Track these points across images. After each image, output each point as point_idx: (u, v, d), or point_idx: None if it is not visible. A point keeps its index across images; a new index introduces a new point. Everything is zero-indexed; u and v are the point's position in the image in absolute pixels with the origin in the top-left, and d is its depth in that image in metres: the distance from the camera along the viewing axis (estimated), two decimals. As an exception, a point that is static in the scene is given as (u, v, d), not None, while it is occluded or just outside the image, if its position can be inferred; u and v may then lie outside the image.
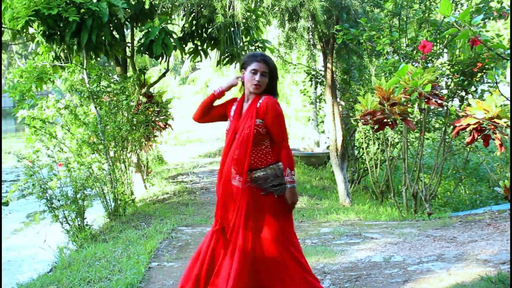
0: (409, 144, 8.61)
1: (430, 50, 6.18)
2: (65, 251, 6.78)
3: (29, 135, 7.94)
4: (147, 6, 8.20)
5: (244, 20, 8.64)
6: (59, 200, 7.36)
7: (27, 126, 7.97)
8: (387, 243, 5.70)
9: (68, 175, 7.42)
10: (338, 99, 9.86)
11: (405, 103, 5.98)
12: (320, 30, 8.80)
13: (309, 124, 16.39)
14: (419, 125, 7.84)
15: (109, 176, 7.92)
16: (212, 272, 3.76)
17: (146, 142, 9.95)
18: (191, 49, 9.57)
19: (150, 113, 9.45)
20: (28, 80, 8.47)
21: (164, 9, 8.73)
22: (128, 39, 9.53)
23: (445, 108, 7.46)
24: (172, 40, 8.34)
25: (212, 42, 9.26)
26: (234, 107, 3.91)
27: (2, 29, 8.16)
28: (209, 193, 9.86)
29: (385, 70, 7.31)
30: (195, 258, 3.89)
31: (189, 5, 8.65)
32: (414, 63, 7.23)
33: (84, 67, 8.10)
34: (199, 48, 9.49)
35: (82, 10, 7.37)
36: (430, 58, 7.26)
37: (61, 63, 8.69)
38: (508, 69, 5.02)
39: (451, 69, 7.26)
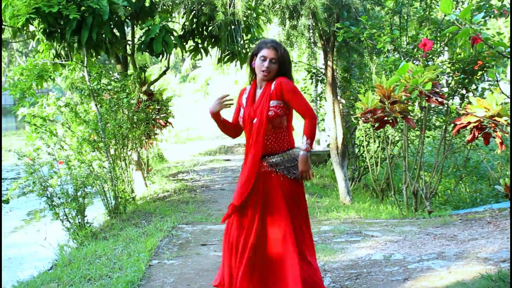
0: (409, 142, 8.61)
1: (430, 48, 6.19)
2: (66, 249, 6.78)
3: (29, 133, 7.95)
4: (147, 4, 8.20)
5: (244, 18, 8.63)
6: (59, 198, 7.36)
7: (27, 124, 7.98)
8: (388, 241, 5.70)
9: (69, 173, 7.42)
10: (338, 97, 9.85)
11: (405, 101, 5.98)
12: (320, 28, 8.79)
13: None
14: (419, 123, 7.84)
15: (109, 174, 7.92)
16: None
17: (146, 140, 9.96)
18: (192, 47, 9.56)
19: (150, 111, 9.45)
20: (29, 78, 8.48)
21: (164, 7, 8.73)
22: (129, 37, 9.53)
23: (446, 106, 7.46)
24: (172, 38, 8.33)
25: (213, 40, 9.26)
26: (245, 95, 3.94)
27: (3, 26, 8.15)
28: (209, 191, 9.87)
29: (386, 68, 7.30)
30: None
31: (189, 3, 8.65)
32: (414, 61, 7.22)
33: (85, 65, 8.10)
34: (200, 46, 9.49)
35: (83, 8, 7.37)
36: (430, 56, 7.26)
37: (62, 61, 8.69)
38: (509, 67, 5.01)
39: (452, 67, 7.25)
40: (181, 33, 9.27)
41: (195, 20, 8.99)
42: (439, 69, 6.73)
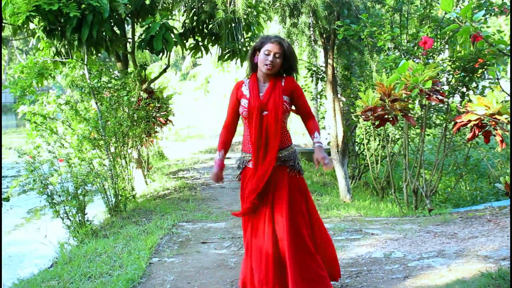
0: (410, 140, 8.61)
1: (431, 46, 6.19)
2: (66, 247, 6.78)
3: (29, 130, 7.95)
4: (147, 2, 8.19)
5: (245, 16, 8.63)
6: (60, 196, 7.36)
7: (28, 122, 7.98)
8: (388, 239, 5.70)
9: (69, 170, 7.42)
10: (339, 95, 9.85)
11: (406, 99, 5.98)
12: (321, 26, 8.79)
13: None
14: (420, 121, 7.84)
15: (109, 172, 7.92)
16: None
17: (147, 138, 9.96)
18: (192, 45, 9.56)
19: (151, 108, 9.45)
20: (29, 75, 8.48)
21: (165, 5, 8.72)
22: (129, 35, 9.52)
23: (446, 104, 7.46)
24: (172, 35, 8.32)
25: (213, 37, 9.25)
26: (245, 87, 3.89)
27: (3, 24, 8.15)
28: (209, 189, 9.87)
29: (386, 66, 7.30)
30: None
31: (189, 1, 8.65)
32: (415, 59, 7.22)
33: (85, 63, 8.09)
34: (200, 43, 9.48)
35: (83, 6, 7.36)
36: (431, 54, 7.25)
37: (62, 59, 8.68)
38: (509, 65, 5.01)
39: (452, 65, 7.24)
40: (182, 31, 9.26)
41: (195, 18, 8.98)
42: (440, 67, 6.72)
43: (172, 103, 10.62)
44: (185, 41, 9.31)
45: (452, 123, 6.80)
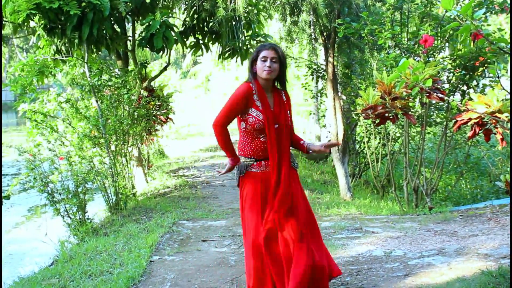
0: (410, 138, 8.61)
1: (431, 44, 6.18)
2: (66, 245, 6.79)
3: (30, 128, 7.95)
4: (148, 0, 8.17)
5: (245, 14, 8.62)
6: (60, 194, 7.36)
7: (28, 120, 7.98)
8: (388, 237, 5.71)
9: (69, 169, 7.42)
10: (339, 93, 9.84)
11: (406, 98, 5.97)
12: (321, 24, 8.78)
13: (311, 118, 16.39)
14: (420, 119, 7.83)
15: (110, 170, 7.92)
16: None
17: (147, 136, 9.96)
18: (192, 43, 9.55)
19: (151, 107, 9.45)
20: (29, 73, 8.47)
21: (165, 3, 8.72)
22: (129, 33, 9.52)
23: (447, 102, 7.45)
24: (173, 33, 8.32)
25: (214, 36, 9.25)
26: (256, 97, 3.90)
27: (3, 22, 8.14)
28: (210, 187, 9.87)
29: (387, 64, 7.29)
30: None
31: (190, -1, 8.65)
32: (415, 58, 7.22)
33: (85, 61, 8.09)
34: (200, 42, 9.48)
35: (83, 4, 7.36)
36: (431, 52, 7.25)
37: (62, 57, 8.68)
38: (509, 64, 5.01)
39: (453, 64, 7.24)
40: (182, 29, 9.26)
41: (195, 16, 8.98)
42: (440, 65, 6.71)
43: (173, 101, 10.61)
44: (185, 39, 9.31)
45: (453, 121, 6.80)
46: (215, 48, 9.70)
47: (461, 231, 5.73)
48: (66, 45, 8.38)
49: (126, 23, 9.35)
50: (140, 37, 8.41)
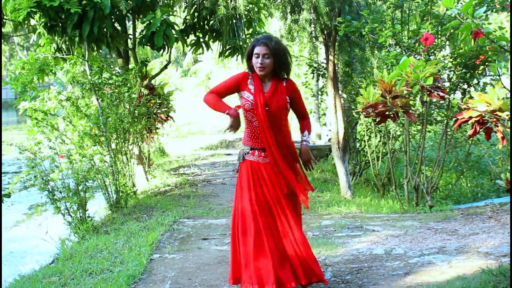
0: (411, 136, 8.60)
1: (432, 42, 6.18)
2: (67, 243, 6.79)
3: (30, 127, 7.95)
4: (148, -2, 8.17)
5: (246, 12, 8.61)
6: (61, 192, 7.37)
7: (28, 118, 7.98)
8: (389, 236, 5.71)
9: (70, 167, 7.42)
10: (340, 92, 9.83)
11: (407, 96, 5.96)
12: (322, 22, 8.77)
13: (311, 116, 16.37)
14: (421, 117, 7.83)
15: (110, 168, 7.92)
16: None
17: (147, 134, 9.95)
18: (193, 41, 9.55)
19: (151, 105, 9.44)
20: (30, 72, 8.48)
21: (165, 1, 8.73)
22: (130, 31, 9.52)
23: (447, 101, 7.45)
24: (173, 32, 8.32)
25: (214, 34, 9.24)
26: (251, 81, 4.06)
27: (4, 20, 8.14)
28: (210, 185, 9.88)
29: (387, 62, 7.29)
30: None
31: (190, -3, 8.64)
32: (416, 56, 7.21)
33: (86, 59, 8.09)
34: (201, 40, 9.47)
35: (84, 2, 7.36)
36: (432, 50, 7.24)
37: (63, 55, 8.68)
38: (510, 62, 5.00)
39: (453, 62, 7.24)
40: (183, 27, 9.25)
41: (196, 14, 8.97)
42: (441, 63, 6.72)
43: (173, 99, 10.61)
44: (186, 38, 9.31)
45: (453, 119, 6.79)
46: (216, 46, 9.70)
47: (461, 229, 5.73)
48: (67, 43, 8.38)
49: (127, 21, 9.35)
50: (141, 35, 8.41)
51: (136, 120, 8.79)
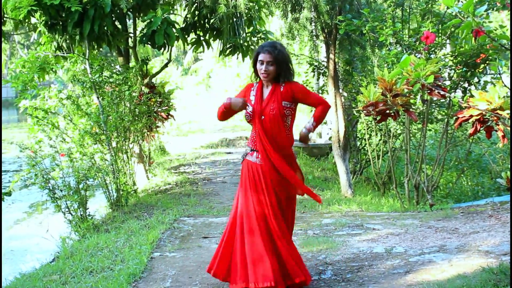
0: (411, 135, 8.60)
1: (433, 41, 6.16)
2: (68, 241, 6.79)
3: (31, 125, 7.95)
4: (149, -4, 8.16)
5: (246, 11, 8.61)
6: (61, 190, 7.38)
7: (29, 116, 7.98)
8: (389, 234, 5.71)
9: (71, 165, 7.43)
10: (340, 90, 9.83)
11: (407, 94, 5.96)
12: (323, 20, 8.76)
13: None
14: (421, 116, 7.83)
15: (111, 167, 7.93)
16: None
17: (148, 133, 9.96)
18: (194, 40, 9.54)
19: (152, 103, 9.44)
20: (31, 70, 8.48)
21: (166, -1, 8.70)
22: (131, 30, 9.51)
23: (448, 99, 7.45)
24: (174, 30, 8.31)
25: (215, 32, 9.23)
26: (253, 92, 4.28)
27: (4, 19, 8.14)
28: (211, 184, 9.88)
29: (388, 61, 7.29)
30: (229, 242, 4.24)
31: (191, -5, 8.63)
32: (417, 54, 7.21)
33: (87, 57, 8.09)
34: (202, 38, 9.46)
35: (84, 0, 7.36)
36: (433, 49, 7.24)
37: (63, 53, 8.68)
38: (510, 61, 5.00)
39: (454, 60, 7.23)
40: (183, 25, 9.25)
41: (197, 12, 8.97)
42: (441, 62, 6.71)
43: (174, 98, 10.61)
44: (186, 36, 9.30)
45: (454, 118, 6.80)
46: (216, 44, 9.69)
47: (462, 228, 5.73)
48: (67, 41, 8.38)
49: (127, 20, 9.34)
50: (142, 33, 8.41)
51: (136, 118, 8.79)
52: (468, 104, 4.94)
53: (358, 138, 12.02)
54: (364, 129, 10.92)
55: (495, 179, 8.88)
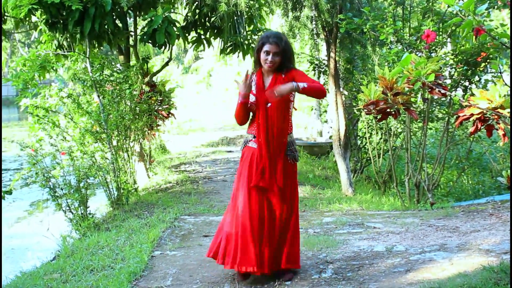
0: (412, 134, 8.60)
1: (433, 39, 6.17)
2: (68, 240, 6.80)
3: (32, 123, 7.95)
4: (149, -5, 8.15)
5: (247, 9, 8.60)
6: (62, 189, 7.38)
7: (30, 115, 7.98)
8: (390, 233, 5.71)
9: (71, 164, 7.43)
10: (341, 89, 9.84)
11: (408, 93, 5.96)
12: (323, 19, 8.77)
13: (312, 113, 16.38)
14: (422, 114, 7.83)
15: (112, 165, 7.93)
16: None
17: (149, 131, 9.96)
18: (194, 38, 9.54)
19: (153, 102, 9.44)
20: (31, 68, 8.47)
21: (167, -2, 8.70)
22: (131, 28, 9.51)
23: (449, 98, 7.44)
24: (175, 29, 8.31)
25: (215, 31, 9.23)
26: (254, 81, 4.33)
27: (5, 17, 8.14)
28: (211, 182, 9.88)
29: (389, 59, 7.28)
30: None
31: (192, -6, 8.63)
32: (417, 53, 7.20)
33: (87, 56, 8.09)
34: (202, 37, 9.46)
35: (85, -1, 7.36)
36: (433, 47, 7.23)
37: (64, 52, 8.68)
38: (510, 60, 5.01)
39: (455, 59, 7.23)
40: (184, 24, 9.24)
41: (197, 11, 8.97)
42: (442, 60, 6.71)
43: (174, 96, 10.61)
44: (187, 35, 9.30)
45: (455, 116, 6.79)
46: (217, 43, 9.69)
47: (462, 226, 5.73)
48: (68, 40, 8.37)
49: (128, 18, 9.34)
50: (142, 32, 8.40)
51: (137, 117, 8.79)
52: (469, 103, 4.94)
53: (358, 137, 12.03)
54: (365, 128, 10.92)
55: (496, 178, 8.89)
